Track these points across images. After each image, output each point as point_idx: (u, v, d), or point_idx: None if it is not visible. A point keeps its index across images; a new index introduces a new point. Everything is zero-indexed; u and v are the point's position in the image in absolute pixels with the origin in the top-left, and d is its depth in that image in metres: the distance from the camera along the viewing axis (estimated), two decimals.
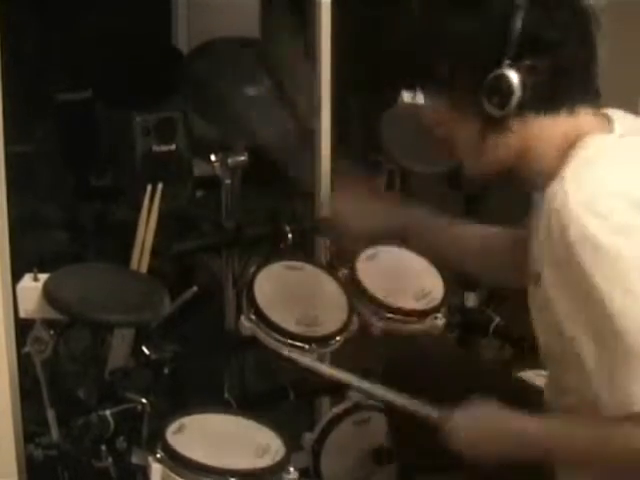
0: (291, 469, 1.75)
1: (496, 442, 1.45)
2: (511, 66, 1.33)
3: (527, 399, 1.59)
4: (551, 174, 1.37)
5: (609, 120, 1.43)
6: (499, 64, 1.33)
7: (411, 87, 1.50)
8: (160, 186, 2.14)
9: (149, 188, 2.15)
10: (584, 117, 1.41)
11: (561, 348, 1.42)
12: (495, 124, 1.38)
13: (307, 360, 1.85)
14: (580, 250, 1.29)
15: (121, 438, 1.87)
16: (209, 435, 1.80)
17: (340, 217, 1.83)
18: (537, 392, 1.63)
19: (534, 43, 1.33)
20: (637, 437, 1.32)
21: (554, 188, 1.34)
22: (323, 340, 2.02)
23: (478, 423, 1.48)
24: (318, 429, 2.13)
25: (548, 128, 1.39)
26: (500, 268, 1.72)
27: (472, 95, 1.36)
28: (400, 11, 1.45)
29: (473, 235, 1.78)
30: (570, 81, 1.38)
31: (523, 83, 1.33)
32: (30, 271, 1.85)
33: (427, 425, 1.55)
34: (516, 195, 1.50)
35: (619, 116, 1.44)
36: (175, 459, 1.68)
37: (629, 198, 1.31)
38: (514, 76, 1.33)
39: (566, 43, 1.35)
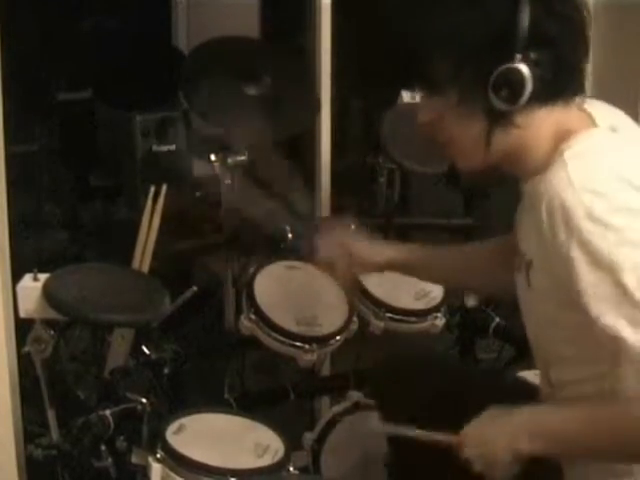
0: (291, 468, 1.75)
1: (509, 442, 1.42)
2: (519, 60, 1.32)
3: (525, 397, 1.59)
4: (543, 165, 1.37)
5: (589, 115, 1.43)
6: (506, 58, 1.32)
7: (411, 87, 1.50)
8: (164, 187, 2.14)
9: (152, 189, 2.15)
10: (573, 111, 1.42)
11: (551, 336, 1.42)
12: (501, 119, 1.37)
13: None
14: (588, 230, 1.28)
15: (121, 438, 1.87)
16: (209, 435, 1.80)
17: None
18: (535, 389, 1.62)
19: (538, 36, 1.33)
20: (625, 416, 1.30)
21: (554, 173, 1.33)
22: (323, 340, 2.02)
23: (488, 429, 1.45)
24: (318, 429, 2.13)
25: (544, 121, 1.39)
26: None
27: (479, 89, 1.35)
28: (399, 10, 1.44)
29: (476, 254, 1.77)
30: (569, 75, 1.39)
31: (532, 76, 1.33)
32: (30, 271, 1.85)
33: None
34: (516, 195, 1.49)
35: (596, 109, 1.44)
36: (175, 459, 1.68)
37: (631, 183, 1.31)
38: (525, 69, 1.33)
39: (567, 37, 1.36)
